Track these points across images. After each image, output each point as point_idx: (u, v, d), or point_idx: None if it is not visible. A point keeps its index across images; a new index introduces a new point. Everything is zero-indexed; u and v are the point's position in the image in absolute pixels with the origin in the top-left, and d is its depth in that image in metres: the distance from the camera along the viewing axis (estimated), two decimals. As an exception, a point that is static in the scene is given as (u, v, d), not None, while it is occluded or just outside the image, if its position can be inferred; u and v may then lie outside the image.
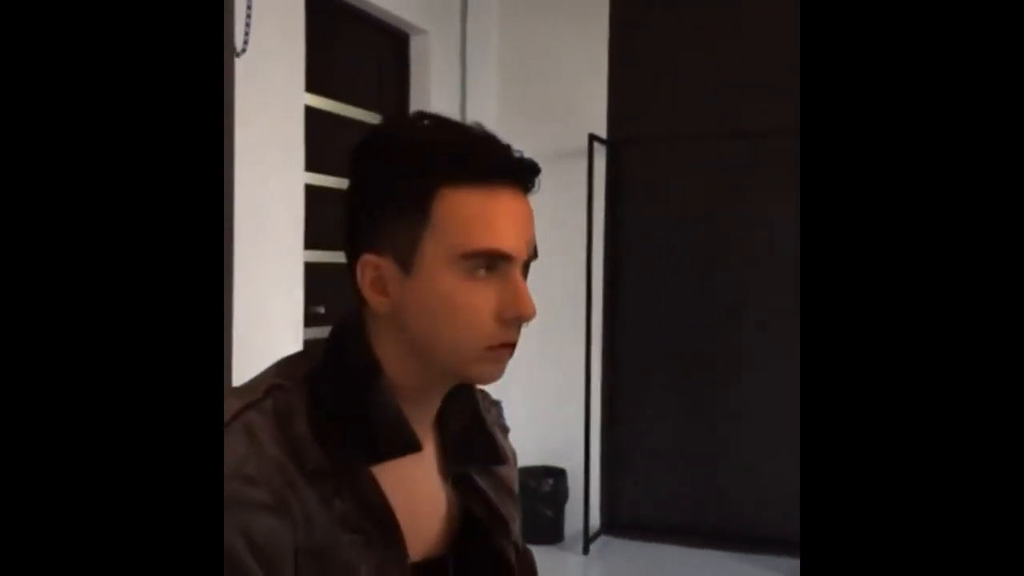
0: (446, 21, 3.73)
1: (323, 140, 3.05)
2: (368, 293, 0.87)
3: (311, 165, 2.97)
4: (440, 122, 0.89)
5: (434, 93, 3.57)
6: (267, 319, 2.76)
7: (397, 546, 0.86)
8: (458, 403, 0.97)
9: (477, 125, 0.89)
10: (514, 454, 1.09)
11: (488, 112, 3.80)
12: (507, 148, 0.88)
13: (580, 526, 3.66)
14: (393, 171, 0.85)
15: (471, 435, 0.98)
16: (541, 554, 3.65)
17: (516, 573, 0.98)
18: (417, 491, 0.93)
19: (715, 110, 3.61)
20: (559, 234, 3.74)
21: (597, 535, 3.75)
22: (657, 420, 3.77)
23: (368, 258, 0.86)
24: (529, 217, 0.88)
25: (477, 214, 0.84)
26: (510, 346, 0.88)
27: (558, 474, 3.77)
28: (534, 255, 0.89)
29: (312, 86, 2.99)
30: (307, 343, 2.97)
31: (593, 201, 3.64)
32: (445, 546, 0.95)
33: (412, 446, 0.88)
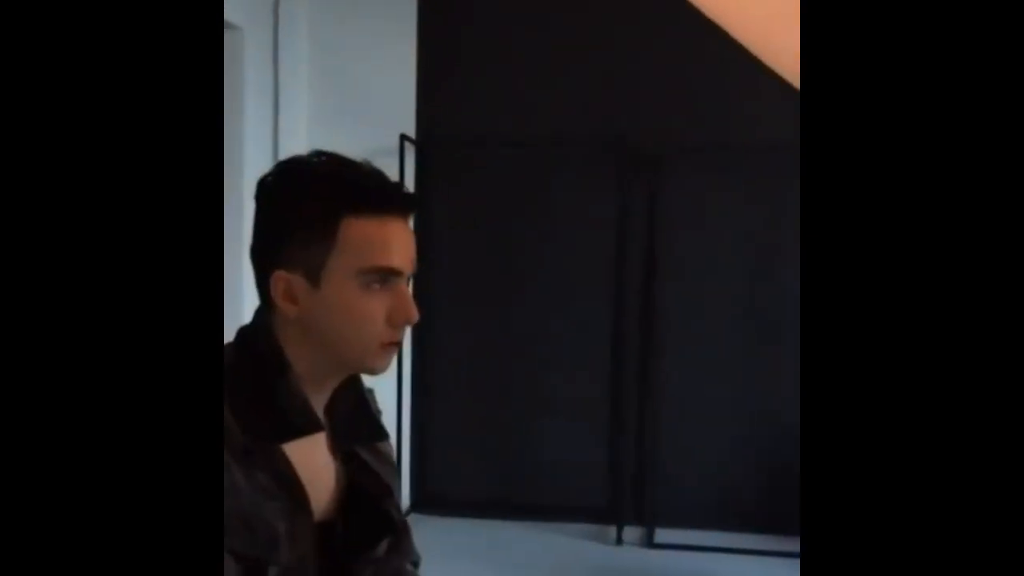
0: (259, 18, 3.79)
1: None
2: (280, 302, 1.05)
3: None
4: (339, 160, 1.08)
5: (248, 89, 3.63)
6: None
7: (306, 511, 1.05)
8: (346, 390, 1.17)
9: (366, 162, 1.09)
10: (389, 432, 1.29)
11: (301, 110, 3.91)
12: (396, 184, 1.09)
13: (392, 505, 3.87)
14: (302, 202, 1.04)
15: (357, 417, 1.17)
16: None
17: (398, 529, 1.19)
18: (316, 464, 1.12)
19: (525, 114, 3.88)
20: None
21: (407, 512, 3.97)
22: (465, 400, 4.03)
23: (280, 274, 1.04)
24: (412, 239, 1.09)
25: (374, 238, 1.04)
26: (397, 343, 1.09)
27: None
28: (415, 270, 1.11)
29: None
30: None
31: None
32: (337, 511, 1.14)
33: (317, 427, 1.07)
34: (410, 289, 1.11)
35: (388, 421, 3.90)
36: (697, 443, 3.78)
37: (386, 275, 1.05)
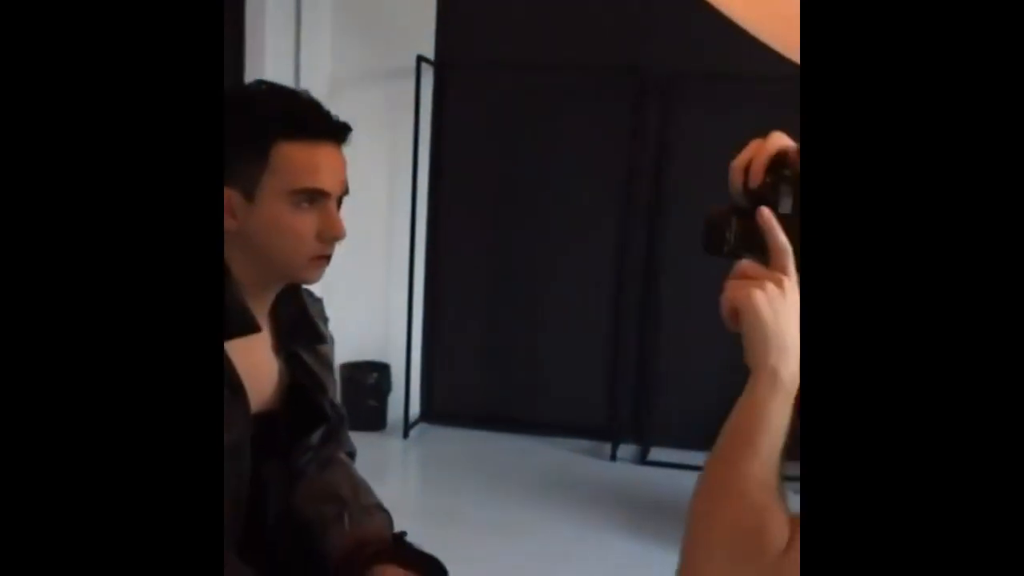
0: (282, -64, 3.85)
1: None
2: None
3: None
4: (276, 89, 1.19)
5: (268, 12, 3.71)
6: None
7: (241, 400, 1.19)
8: (288, 298, 1.30)
9: (305, 92, 1.20)
10: (331, 339, 1.43)
11: (324, 31, 3.99)
12: (327, 113, 1.20)
13: (402, 415, 4.06)
14: (242, 128, 1.15)
15: (298, 322, 1.31)
16: (366, 439, 4.14)
17: (330, 421, 1.33)
18: (258, 362, 1.26)
19: (543, 39, 3.92)
20: (388, 147, 4.03)
21: (416, 423, 4.17)
22: (473, 319, 4.18)
23: (224, 191, 1.17)
24: (342, 164, 1.21)
25: (304, 161, 1.16)
26: (326, 257, 1.21)
27: (382, 368, 4.14)
28: (346, 192, 1.22)
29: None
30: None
31: (420, 119, 3.92)
32: (277, 403, 1.28)
33: (253, 328, 1.20)
34: (341, 208, 1.22)
35: (398, 336, 4.05)
36: (694, 365, 3.88)
37: (315, 195, 1.17)
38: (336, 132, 1.19)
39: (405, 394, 4.06)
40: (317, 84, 4.00)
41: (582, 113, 3.95)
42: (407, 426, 4.05)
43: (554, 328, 4.08)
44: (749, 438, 0.85)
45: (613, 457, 3.83)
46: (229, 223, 1.18)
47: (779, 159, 0.96)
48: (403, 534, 1.27)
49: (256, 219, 1.16)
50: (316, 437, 1.32)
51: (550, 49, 3.91)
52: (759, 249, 0.96)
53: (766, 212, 0.95)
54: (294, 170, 1.15)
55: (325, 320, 1.41)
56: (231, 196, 1.16)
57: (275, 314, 1.29)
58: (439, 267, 4.18)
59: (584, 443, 3.97)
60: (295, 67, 3.85)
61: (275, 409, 1.28)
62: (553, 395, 4.11)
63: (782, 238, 0.94)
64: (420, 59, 3.86)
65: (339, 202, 1.22)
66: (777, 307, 0.91)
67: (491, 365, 4.19)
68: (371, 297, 4.20)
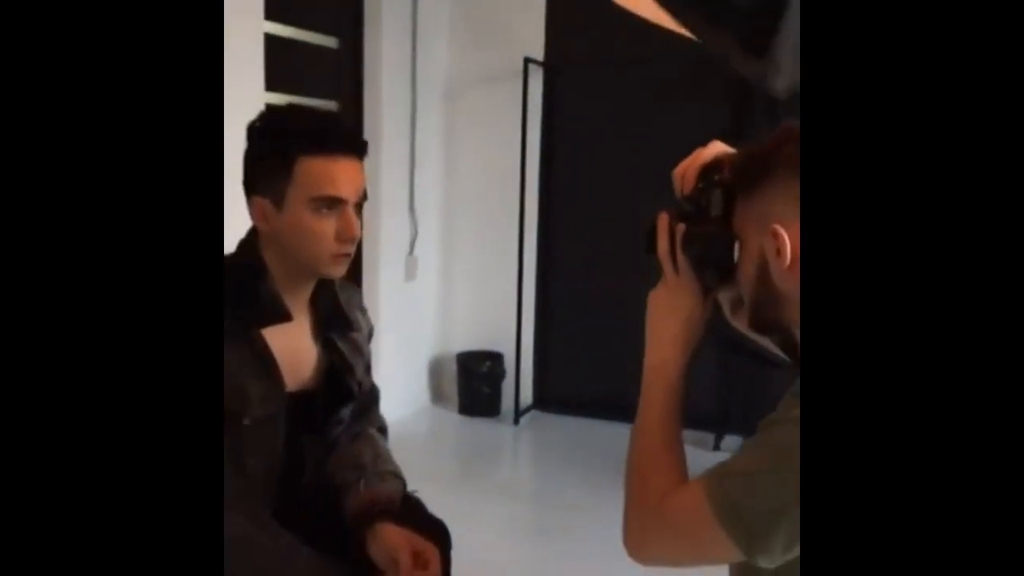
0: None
1: (282, 63, 3.48)
2: (257, 222, 1.37)
3: (271, 86, 3.41)
4: (299, 110, 1.38)
5: (385, 21, 3.95)
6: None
7: (276, 379, 1.38)
8: (324, 291, 1.48)
9: (328, 110, 1.38)
10: (371, 327, 1.60)
11: (439, 37, 4.22)
12: (346, 130, 1.37)
13: (513, 402, 4.24)
14: (270, 145, 1.34)
15: (331, 312, 1.49)
16: (480, 424, 4.36)
17: (356, 399, 1.51)
18: (297, 347, 1.45)
19: (650, 34, 3.97)
20: (500, 145, 4.21)
21: (528, 410, 4.34)
22: (583, 310, 4.31)
23: (256, 199, 1.36)
24: (359, 174, 1.37)
25: (322, 173, 1.33)
26: (347, 255, 1.38)
27: (495, 357, 4.34)
28: (364, 198, 1.39)
29: (271, 14, 3.40)
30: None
31: (527, 117, 4.08)
32: (314, 383, 1.47)
33: (284, 317, 1.39)
34: (359, 213, 1.39)
35: (511, 326, 4.21)
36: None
37: (333, 202, 1.34)
38: (354, 146, 1.37)
39: (516, 382, 4.23)
40: (433, 88, 4.23)
41: (688, 108, 3.99)
42: (517, 413, 4.22)
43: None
44: (640, 408, 1.06)
45: (716, 447, 3.87)
46: (263, 227, 1.37)
47: (713, 166, 1.05)
48: (414, 498, 1.43)
49: (284, 224, 1.35)
50: (346, 413, 1.50)
51: (657, 45, 3.97)
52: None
53: (661, 219, 1.06)
54: (314, 181, 1.33)
55: (363, 310, 1.58)
56: (263, 204, 1.35)
57: (314, 305, 1.48)
58: (550, 260, 4.33)
59: (690, 433, 4.01)
60: (412, 73, 4.08)
61: (313, 388, 1.46)
62: (692, 389, 4.16)
63: (662, 244, 1.05)
64: (527, 60, 4.02)
65: (359, 208, 1.39)
66: (657, 305, 1.05)
67: (602, 354, 4.30)
68: (486, 289, 4.40)
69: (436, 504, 3.50)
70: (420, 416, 4.34)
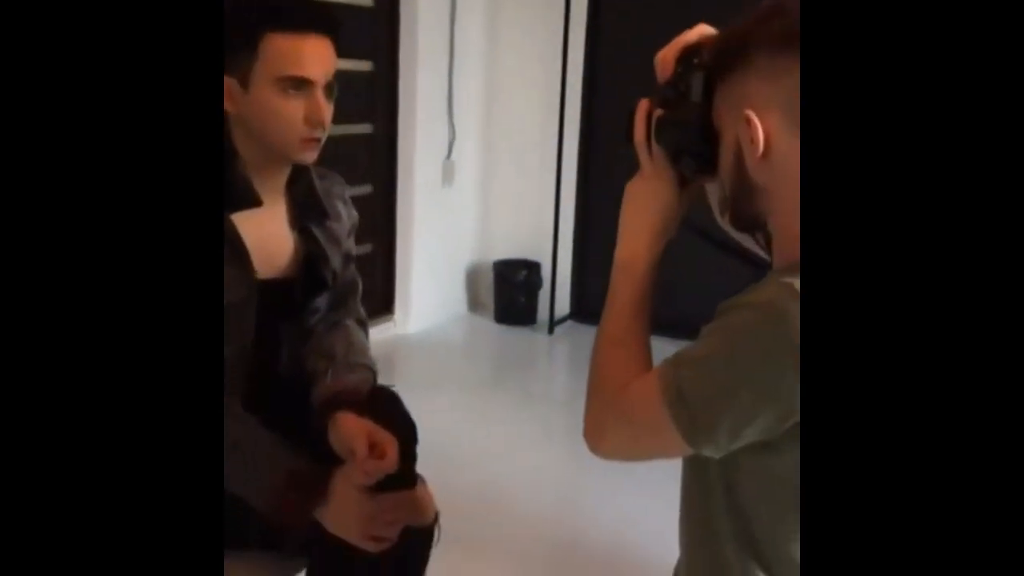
0: None
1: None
2: (225, 102, 1.33)
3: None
4: None
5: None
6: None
7: (246, 265, 1.35)
8: (300, 179, 1.44)
9: None
10: (354, 219, 1.56)
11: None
12: (314, 5, 1.31)
13: (549, 311, 4.22)
14: (236, 21, 1.29)
15: (308, 200, 1.45)
16: (515, 333, 4.38)
17: (331, 289, 1.48)
18: (271, 235, 1.41)
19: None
20: (542, 53, 4.09)
21: (564, 319, 4.30)
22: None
23: (225, 79, 1.32)
24: (328, 54, 1.31)
25: (289, 51, 1.28)
26: (316, 140, 1.33)
27: (532, 266, 4.30)
28: (333, 80, 1.33)
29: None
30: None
31: (570, 25, 3.94)
32: (292, 271, 1.45)
33: (254, 202, 1.36)
34: (328, 96, 1.34)
35: (546, 234, 4.16)
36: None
37: (300, 83, 1.29)
38: (322, 23, 1.30)
39: (552, 292, 4.19)
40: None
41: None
42: (552, 322, 4.19)
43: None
44: (607, 301, 1.03)
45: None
46: (230, 108, 1.32)
47: (694, 48, 0.97)
48: (388, 392, 1.41)
49: (250, 104, 1.30)
50: (321, 302, 1.47)
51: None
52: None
53: (640, 106, 1.00)
54: (280, 59, 1.27)
55: (345, 201, 1.54)
56: (230, 84, 1.31)
57: (290, 193, 1.44)
58: (590, 168, 4.23)
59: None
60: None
61: (289, 276, 1.44)
62: (692, 298, 4.09)
63: (638, 132, 0.99)
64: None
65: (330, 91, 1.33)
66: (630, 197, 1.01)
67: (664, 271, 4.22)
68: (524, 197, 4.34)
69: (469, 410, 3.57)
70: (456, 324, 4.35)
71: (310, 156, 1.36)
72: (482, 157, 4.39)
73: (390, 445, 1.26)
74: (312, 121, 1.31)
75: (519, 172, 4.33)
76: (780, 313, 0.82)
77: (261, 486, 1.25)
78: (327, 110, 1.32)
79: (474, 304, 4.51)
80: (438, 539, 1.39)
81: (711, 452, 0.89)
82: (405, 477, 1.32)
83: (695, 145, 0.97)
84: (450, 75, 4.04)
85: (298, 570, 1.37)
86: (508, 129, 4.35)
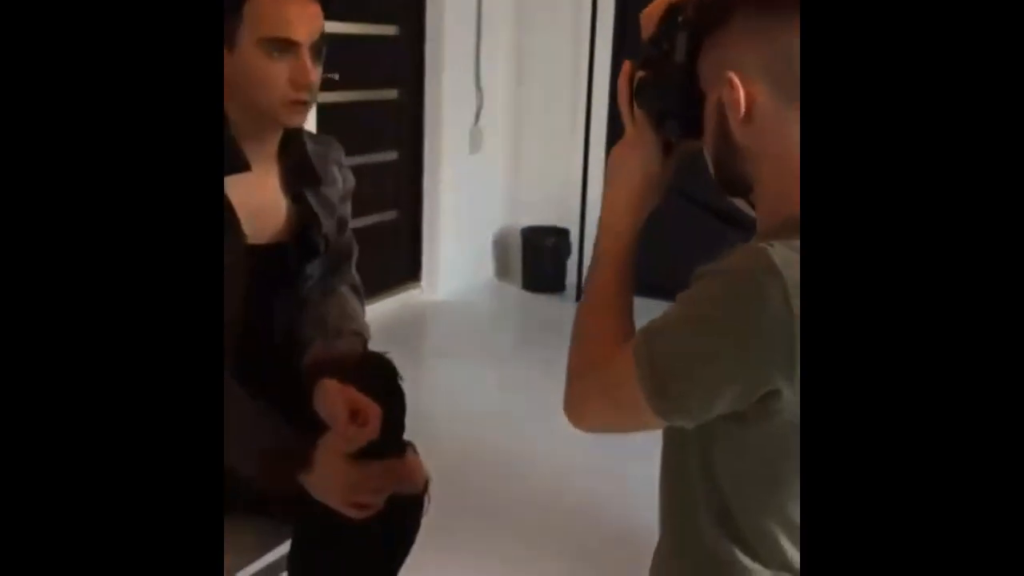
0: None
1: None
2: None
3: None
4: None
5: None
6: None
7: (234, 230, 1.34)
8: (293, 143, 1.43)
9: None
10: (350, 184, 1.54)
11: None
12: None
13: (576, 278, 4.19)
14: None
15: (300, 165, 1.44)
16: (544, 300, 4.38)
17: (322, 255, 1.46)
18: (263, 200, 1.40)
19: None
20: (572, 18, 4.03)
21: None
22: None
23: None
24: (314, 15, 1.29)
25: (273, 12, 1.26)
26: (303, 102, 1.31)
27: (561, 233, 4.26)
28: (320, 42, 1.31)
29: None
30: (321, 106, 3.43)
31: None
32: (285, 237, 1.43)
33: (242, 166, 1.34)
34: (316, 59, 1.31)
35: (575, 201, 4.13)
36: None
37: (285, 44, 1.27)
38: None
39: (579, 259, 4.16)
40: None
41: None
42: (580, 290, 4.16)
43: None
44: (589, 271, 1.01)
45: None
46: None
47: (679, 5, 0.93)
48: (381, 359, 1.40)
49: (236, 67, 1.29)
50: (313, 268, 1.46)
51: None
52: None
53: (624, 67, 0.97)
54: (264, 20, 1.25)
55: (340, 165, 1.52)
56: None
57: (283, 157, 1.43)
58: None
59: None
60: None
61: (283, 242, 1.43)
62: (681, 257, 4.04)
63: (621, 94, 0.96)
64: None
65: (317, 52, 1.31)
66: (614, 162, 1.01)
67: (666, 235, 4.16)
68: (553, 164, 4.29)
69: (496, 376, 3.56)
70: (483, 290, 4.34)
71: (298, 119, 1.34)
72: (510, 123, 4.35)
73: (373, 412, 1.25)
74: (297, 83, 1.29)
75: (547, 138, 4.28)
76: (750, 282, 0.80)
77: (246, 453, 1.24)
78: (313, 72, 1.30)
79: (502, 271, 4.49)
80: (427, 509, 1.38)
81: (683, 422, 0.87)
82: (390, 445, 1.31)
83: (677, 107, 0.93)
84: (478, 40, 3.99)
85: (286, 536, 1.37)
86: (536, 95, 4.30)
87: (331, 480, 1.25)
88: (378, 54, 3.83)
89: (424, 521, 1.39)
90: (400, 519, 1.37)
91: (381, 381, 1.33)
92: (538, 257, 4.24)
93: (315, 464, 1.25)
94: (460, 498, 2.29)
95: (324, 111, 3.25)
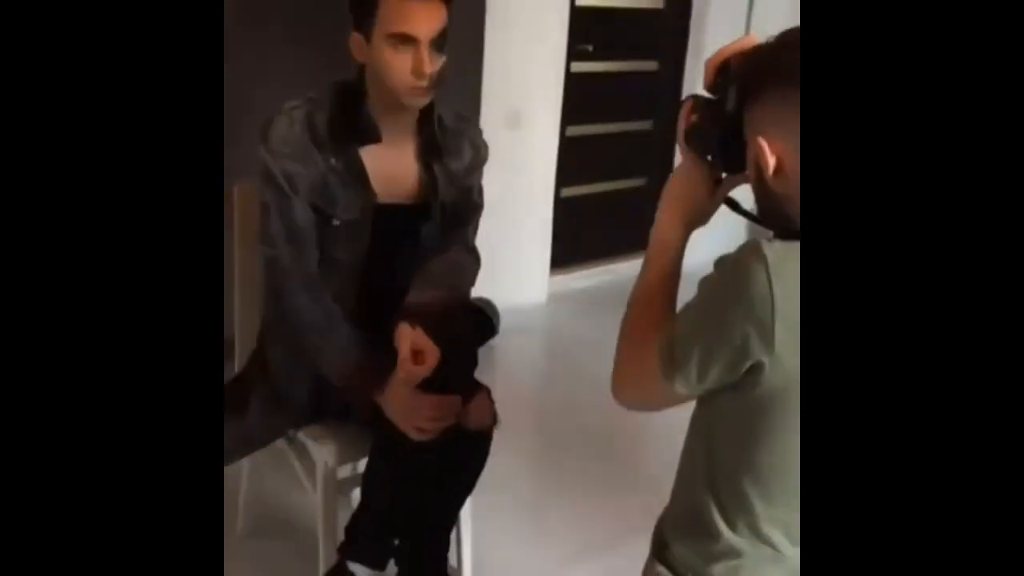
0: None
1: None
2: (355, 53, 1.59)
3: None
4: None
5: None
6: (533, 58, 3.46)
7: (365, 190, 1.63)
8: (425, 120, 1.68)
9: None
10: (480, 158, 1.76)
11: None
12: None
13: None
14: None
15: (430, 139, 1.69)
16: None
17: (435, 215, 1.71)
18: (396, 166, 1.67)
19: None
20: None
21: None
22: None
23: (354, 34, 1.58)
24: (437, 14, 1.52)
25: (398, 12, 1.50)
26: (422, 88, 1.56)
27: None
28: (441, 38, 1.54)
29: None
30: (572, 76, 3.64)
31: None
32: (410, 199, 1.70)
33: (375, 138, 1.62)
34: (436, 52, 1.54)
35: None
36: None
37: (406, 39, 1.51)
38: None
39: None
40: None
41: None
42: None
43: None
44: (638, 278, 1.14)
45: None
46: (360, 58, 1.58)
47: (731, 61, 1.06)
48: (469, 310, 1.62)
49: (371, 57, 1.55)
50: (430, 228, 1.70)
51: None
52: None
53: (684, 107, 1.11)
54: (391, 19, 1.50)
55: (474, 144, 1.73)
56: (358, 39, 1.56)
57: (419, 133, 1.69)
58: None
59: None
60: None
61: (409, 203, 1.69)
62: None
63: (679, 132, 1.12)
64: None
65: (438, 47, 1.54)
66: (669, 185, 1.14)
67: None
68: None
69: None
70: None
71: (418, 101, 1.58)
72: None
73: (430, 354, 1.49)
74: (417, 73, 1.53)
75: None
76: (740, 269, 0.93)
77: (335, 368, 1.55)
78: (430, 64, 1.53)
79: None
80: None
81: (686, 388, 1.01)
82: (455, 383, 1.55)
83: (721, 151, 1.06)
84: (748, 15, 3.99)
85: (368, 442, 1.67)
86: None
87: (394, 403, 1.53)
88: (641, 27, 3.98)
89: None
90: (462, 453, 1.62)
91: (451, 330, 1.56)
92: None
93: (387, 387, 1.53)
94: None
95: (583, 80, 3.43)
